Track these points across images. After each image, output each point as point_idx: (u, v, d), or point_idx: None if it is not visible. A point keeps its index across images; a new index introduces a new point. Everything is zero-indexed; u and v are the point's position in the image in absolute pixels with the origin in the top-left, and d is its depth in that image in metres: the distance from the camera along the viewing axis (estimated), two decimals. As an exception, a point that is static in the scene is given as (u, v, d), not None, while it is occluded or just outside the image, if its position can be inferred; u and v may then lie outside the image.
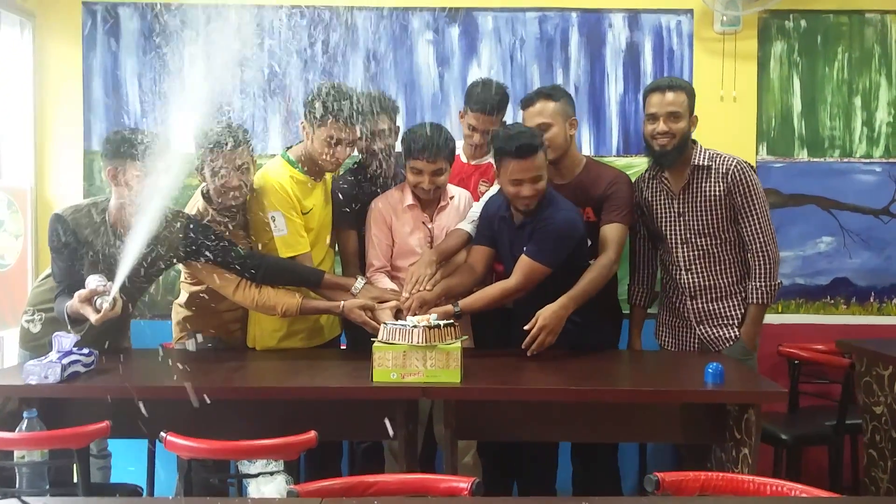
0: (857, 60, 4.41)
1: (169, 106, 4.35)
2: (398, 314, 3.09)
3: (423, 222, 3.42)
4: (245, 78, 4.40)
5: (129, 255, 2.82)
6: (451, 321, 2.86)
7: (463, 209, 3.50)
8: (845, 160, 4.41)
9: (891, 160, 4.42)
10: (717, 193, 3.30)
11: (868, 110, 4.42)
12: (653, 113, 3.31)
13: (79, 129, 4.42)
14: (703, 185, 3.32)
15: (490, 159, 3.46)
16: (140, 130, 3.07)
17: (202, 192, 3.27)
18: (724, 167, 3.30)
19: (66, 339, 2.79)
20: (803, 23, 4.41)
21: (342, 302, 3.16)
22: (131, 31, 4.43)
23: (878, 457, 3.62)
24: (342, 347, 3.68)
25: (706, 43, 4.38)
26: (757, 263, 3.29)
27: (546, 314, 3.05)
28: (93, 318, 2.76)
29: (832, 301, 4.36)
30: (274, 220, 3.21)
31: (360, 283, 3.23)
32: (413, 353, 2.70)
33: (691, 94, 3.35)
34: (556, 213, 3.14)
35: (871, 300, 4.42)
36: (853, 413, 3.69)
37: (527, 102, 3.37)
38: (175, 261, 3.18)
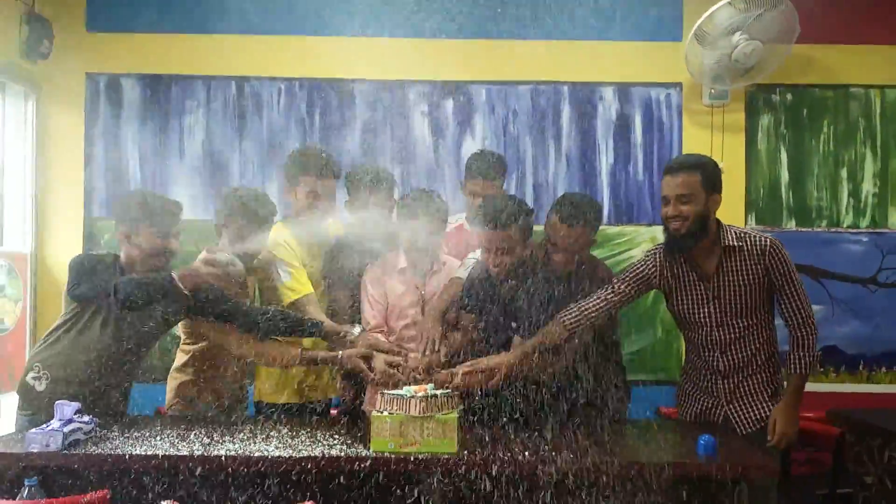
0: (842, 133, 4.57)
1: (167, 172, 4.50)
2: (394, 364, 3.17)
3: (416, 286, 3.49)
4: (243, 146, 4.53)
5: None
6: (449, 391, 2.89)
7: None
8: (833, 230, 4.53)
9: (877, 230, 4.53)
10: (754, 274, 3.10)
11: (854, 181, 4.55)
12: (665, 195, 3.13)
13: (80, 195, 4.52)
14: (737, 266, 3.12)
15: None
16: (153, 194, 3.21)
17: (207, 250, 3.32)
18: (759, 247, 3.09)
19: (67, 408, 2.80)
20: (789, 97, 4.57)
21: (340, 352, 3.22)
22: (132, 100, 4.56)
23: (871, 528, 3.62)
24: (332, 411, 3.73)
25: (695, 115, 4.51)
26: (801, 335, 3.11)
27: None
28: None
29: (822, 369, 4.43)
30: (277, 270, 3.40)
31: (356, 329, 3.31)
32: (410, 423, 2.72)
33: (710, 173, 3.10)
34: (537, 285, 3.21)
35: (861, 369, 4.50)
36: (844, 482, 3.69)
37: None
38: (179, 318, 3.27)
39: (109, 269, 3.09)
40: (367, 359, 3.20)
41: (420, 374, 3.11)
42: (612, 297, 3.20)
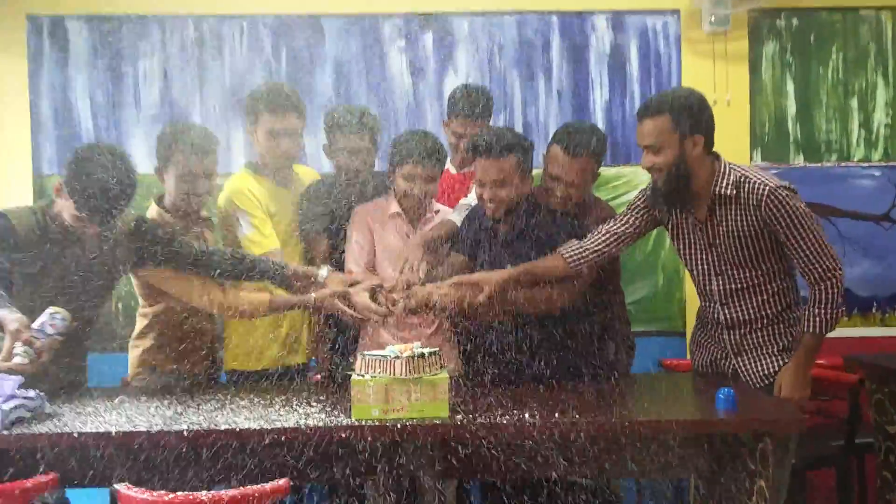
0: (852, 60, 4.32)
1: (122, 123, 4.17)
2: (374, 295, 2.99)
3: (407, 234, 3.28)
4: (205, 92, 4.19)
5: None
6: (436, 349, 2.60)
7: None
8: (843, 164, 4.32)
9: (890, 163, 4.32)
10: (751, 225, 2.77)
11: (865, 112, 4.32)
12: (638, 144, 2.86)
13: (26, 151, 4.18)
14: (731, 215, 2.79)
15: None
16: (106, 148, 2.79)
17: (155, 200, 3.18)
18: (756, 197, 2.72)
19: (7, 382, 2.52)
20: (795, 21, 4.31)
21: (313, 294, 3.01)
22: (80, 44, 4.21)
23: (893, 479, 3.47)
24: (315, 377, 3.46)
25: (695, 44, 4.25)
26: (819, 289, 2.74)
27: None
28: None
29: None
30: (238, 221, 3.21)
31: (324, 271, 3.10)
32: (396, 386, 2.44)
33: (683, 112, 2.74)
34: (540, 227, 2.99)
35: (874, 311, 4.32)
36: (861, 432, 3.50)
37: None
38: (127, 268, 2.99)
39: (31, 225, 2.73)
40: (344, 296, 2.98)
41: (398, 295, 2.92)
42: (615, 229, 2.95)
